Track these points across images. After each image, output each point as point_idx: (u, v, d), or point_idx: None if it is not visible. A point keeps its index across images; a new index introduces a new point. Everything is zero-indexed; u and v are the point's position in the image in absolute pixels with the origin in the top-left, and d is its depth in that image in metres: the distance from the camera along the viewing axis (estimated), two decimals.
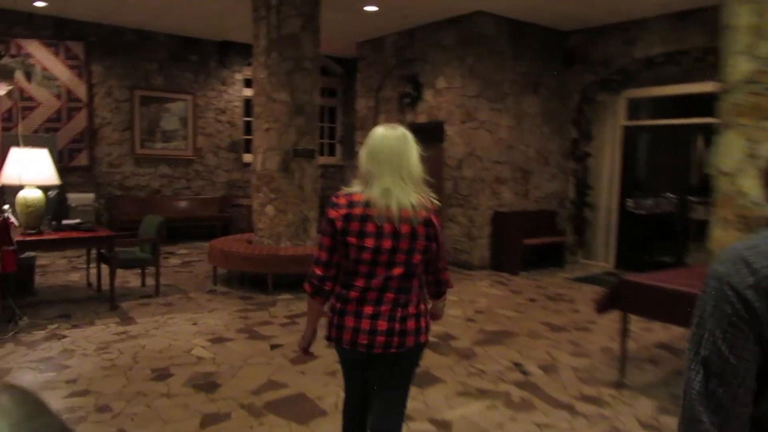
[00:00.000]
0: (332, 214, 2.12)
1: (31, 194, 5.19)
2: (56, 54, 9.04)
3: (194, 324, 5.22)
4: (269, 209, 6.74)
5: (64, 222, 5.70)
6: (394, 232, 2.08)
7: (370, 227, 2.07)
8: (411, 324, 2.15)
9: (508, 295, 6.91)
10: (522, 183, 8.86)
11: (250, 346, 4.69)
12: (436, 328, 4.83)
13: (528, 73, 8.74)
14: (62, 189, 5.55)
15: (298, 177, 6.75)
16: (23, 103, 8.79)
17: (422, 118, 9.03)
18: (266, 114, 6.67)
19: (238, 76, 10.79)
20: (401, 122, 8.97)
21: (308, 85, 6.73)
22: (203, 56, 10.48)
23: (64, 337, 4.74)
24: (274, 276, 6.38)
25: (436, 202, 2.21)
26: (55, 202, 5.52)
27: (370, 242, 2.07)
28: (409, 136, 2.19)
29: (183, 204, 10.18)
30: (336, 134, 12.67)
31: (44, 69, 8.94)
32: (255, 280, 6.66)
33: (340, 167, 12.40)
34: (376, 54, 9.93)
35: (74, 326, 5.02)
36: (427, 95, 8.93)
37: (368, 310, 2.12)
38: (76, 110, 9.26)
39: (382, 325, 2.11)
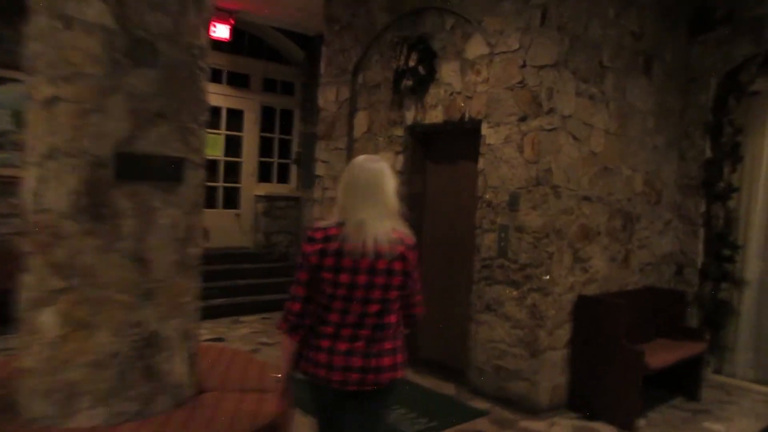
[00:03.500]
0: (307, 248, 2.08)
1: None
2: None
3: None
4: (48, 319, 2.45)
5: None
6: (370, 268, 2.04)
7: (345, 262, 2.04)
8: (386, 360, 2.12)
9: None
10: (622, 238, 4.73)
11: None
12: None
13: (640, 36, 4.69)
14: None
15: (131, 231, 2.49)
16: None
17: (435, 116, 4.89)
18: (53, 62, 2.44)
19: None
20: (396, 123, 5.02)
21: None
22: None
23: None
24: None
25: (411, 235, 2.16)
26: None
27: (345, 278, 2.04)
28: (387, 167, 2.14)
29: None
30: (291, 150, 8.49)
31: None
32: None
33: (296, 200, 8.17)
34: (355, 11, 5.82)
35: None
36: (446, 72, 4.80)
37: (342, 346, 2.08)
38: None
39: (357, 361, 2.08)
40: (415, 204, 5.18)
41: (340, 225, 2.06)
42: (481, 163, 4.50)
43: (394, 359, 2.15)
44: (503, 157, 4.35)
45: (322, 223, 2.12)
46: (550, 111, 4.06)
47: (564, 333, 4.24)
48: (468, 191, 4.68)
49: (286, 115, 8.43)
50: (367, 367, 2.08)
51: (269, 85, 8.19)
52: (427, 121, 4.97)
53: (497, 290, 4.36)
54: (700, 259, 5.17)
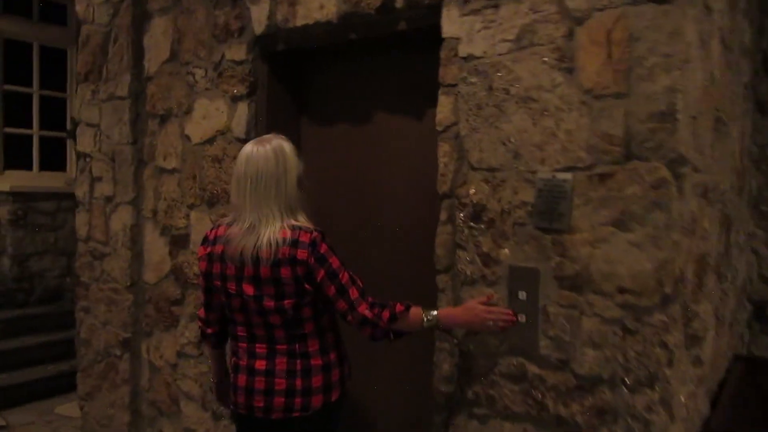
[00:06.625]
0: (199, 251, 1.81)
1: None
2: None
3: None
4: None
5: None
6: (254, 276, 1.65)
7: (230, 270, 1.68)
8: (317, 379, 1.69)
9: None
10: (723, 268, 2.28)
11: None
12: None
13: None
14: None
15: None
16: None
17: (319, 7, 2.08)
18: None
19: None
20: (230, 34, 2.59)
21: None
22: None
23: None
24: None
25: (308, 229, 1.63)
26: None
27: (233, 287, 1.69)
28: (280, 149, 1.64)
29: None
30: (66, 116, 5.18)
31: None
32: None
33: (73, 199, 4.88)
34: None
35: None
36: None
37: (261, 365, 1.70)
38: None
39: (281, 383, 1.67)
40: None
41: (231, 224, 1.69)
42: (446, 110, 1.78)
43: (327, 377, 1.69)
44: (513, 89, 1.65)
45: (224, 219, 1.77)
46: None
47: None
48: (412, 183, 1.96)
49: (55, 58, 5.08)
50: (294, 388, 1.66)
51: (16, 3, 4.81)
52: (299, 23, 2.16)
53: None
54: None
